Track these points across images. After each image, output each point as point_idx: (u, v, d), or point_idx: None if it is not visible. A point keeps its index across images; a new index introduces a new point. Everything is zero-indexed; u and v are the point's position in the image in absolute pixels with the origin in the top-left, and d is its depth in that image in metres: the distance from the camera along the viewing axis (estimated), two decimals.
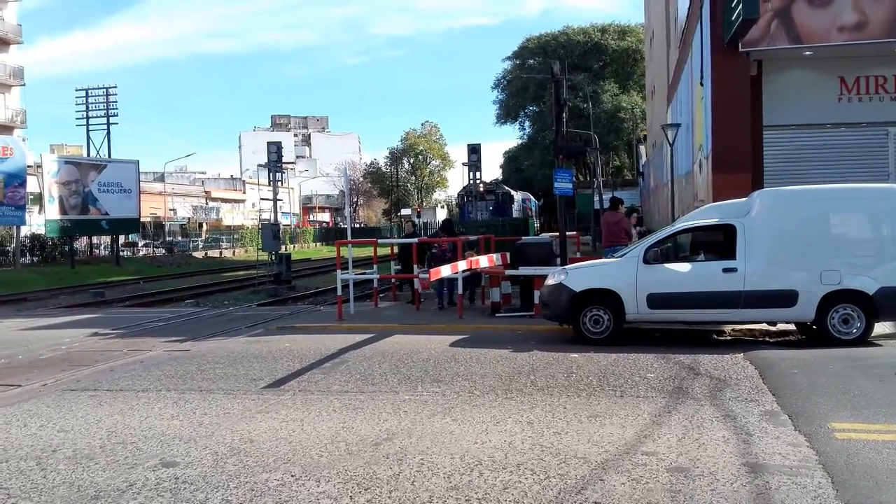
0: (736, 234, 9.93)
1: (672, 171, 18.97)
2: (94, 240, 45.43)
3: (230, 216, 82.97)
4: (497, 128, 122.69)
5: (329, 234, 78.61)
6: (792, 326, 10.67)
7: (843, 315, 9.59)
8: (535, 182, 60.92)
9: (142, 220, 47.81)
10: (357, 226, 78.67)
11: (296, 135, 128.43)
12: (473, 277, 14.59)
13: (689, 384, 7.60)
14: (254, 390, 7.98)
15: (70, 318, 16.23)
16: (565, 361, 8.93)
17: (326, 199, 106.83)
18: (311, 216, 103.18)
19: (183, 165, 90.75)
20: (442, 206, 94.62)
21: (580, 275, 10.54)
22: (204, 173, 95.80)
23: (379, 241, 16.47)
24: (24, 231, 37.68)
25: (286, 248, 45.32)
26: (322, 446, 5.79)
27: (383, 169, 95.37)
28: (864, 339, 9.58)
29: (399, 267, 16.62)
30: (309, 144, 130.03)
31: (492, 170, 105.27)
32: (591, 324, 10.20)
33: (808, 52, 14.17)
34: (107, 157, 43.57)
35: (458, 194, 44.22)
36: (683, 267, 10.31)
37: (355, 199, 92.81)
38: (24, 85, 56.77)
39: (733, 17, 12.92)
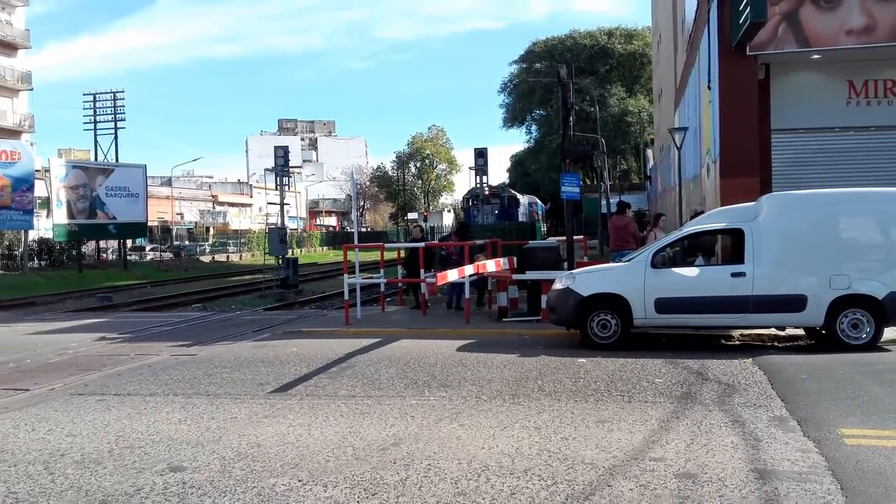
0: (744, 238, 9.88)
1: (680, 175, 18.93)
2: (102, 244, 45.68)
3: (237, 220, 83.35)
4: (504, 131, 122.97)
5: (336, 239, 78.75)
6: (801, 331, 10.60)
7: (852, 320, 9.52)
8: (542, 186, 60.81)
9: (149, 224, 48.12)
10: (364, 230, 78.71)
11: (303, 139, 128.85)
12: (481, 281, 14.60)
13: (697, 389, 7.57)
14: (261, 395, 7.99)
15: (78, 323, 16.27)
16: (573, 366, 8.91)
17: (333, 203, 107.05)
18: (317, 220, 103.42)
19: (190, 170, 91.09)
20: (449, 210, 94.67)
21: (587, 279, 10.50)
22: (211, 177, 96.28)
23: (386, 245, 16.44)
24: (32, 235, 37.82)
25: (293, 252, 45.39)
26: (329, 451, 5.79)
27: (390, 173, 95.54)
28: (873, 344, 9.51)
29: (405, 272, 16.61)
30: (316, 148, 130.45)
31: (498, 174, 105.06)
32: (599, 328, 10.15)
33: (816, 56, 14.12)
34: (114, 161, 43.71)
35: (464, 197, 43.94)
36: (692, 271, 10.27)
37: (362, 203, 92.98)
38: (31, 90, 57.22)
39: (741, 21, 12.88)
